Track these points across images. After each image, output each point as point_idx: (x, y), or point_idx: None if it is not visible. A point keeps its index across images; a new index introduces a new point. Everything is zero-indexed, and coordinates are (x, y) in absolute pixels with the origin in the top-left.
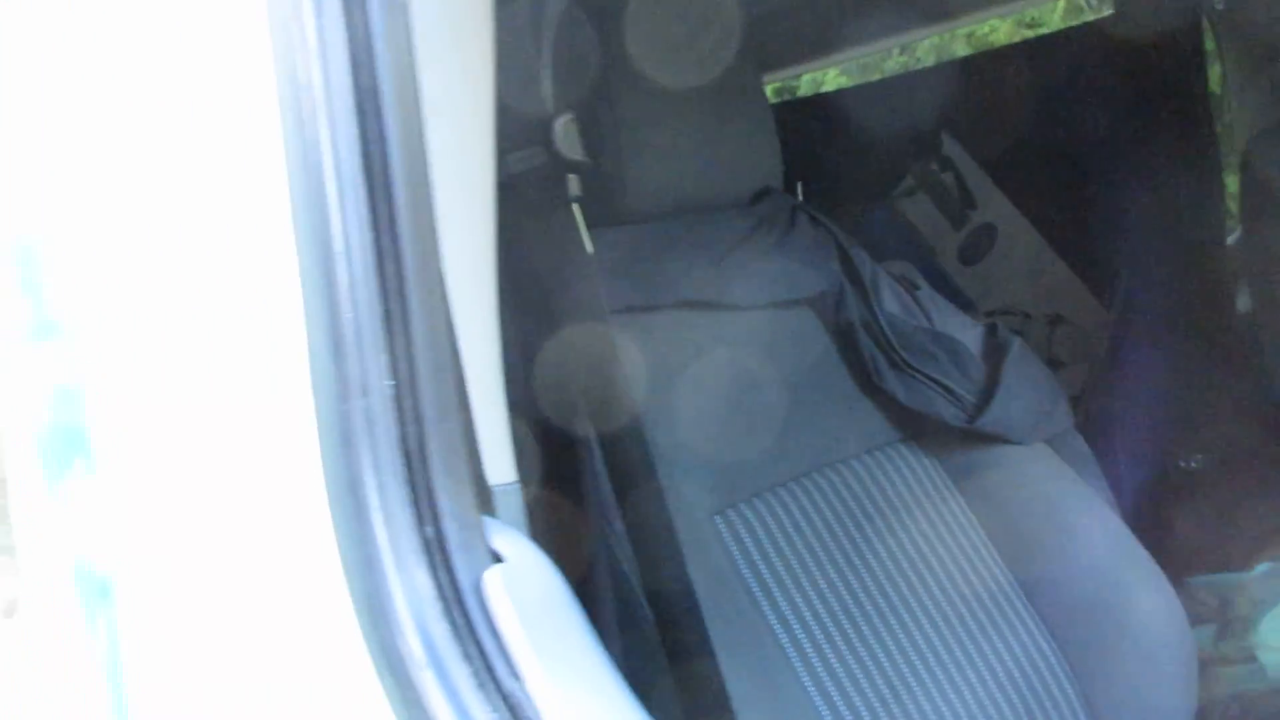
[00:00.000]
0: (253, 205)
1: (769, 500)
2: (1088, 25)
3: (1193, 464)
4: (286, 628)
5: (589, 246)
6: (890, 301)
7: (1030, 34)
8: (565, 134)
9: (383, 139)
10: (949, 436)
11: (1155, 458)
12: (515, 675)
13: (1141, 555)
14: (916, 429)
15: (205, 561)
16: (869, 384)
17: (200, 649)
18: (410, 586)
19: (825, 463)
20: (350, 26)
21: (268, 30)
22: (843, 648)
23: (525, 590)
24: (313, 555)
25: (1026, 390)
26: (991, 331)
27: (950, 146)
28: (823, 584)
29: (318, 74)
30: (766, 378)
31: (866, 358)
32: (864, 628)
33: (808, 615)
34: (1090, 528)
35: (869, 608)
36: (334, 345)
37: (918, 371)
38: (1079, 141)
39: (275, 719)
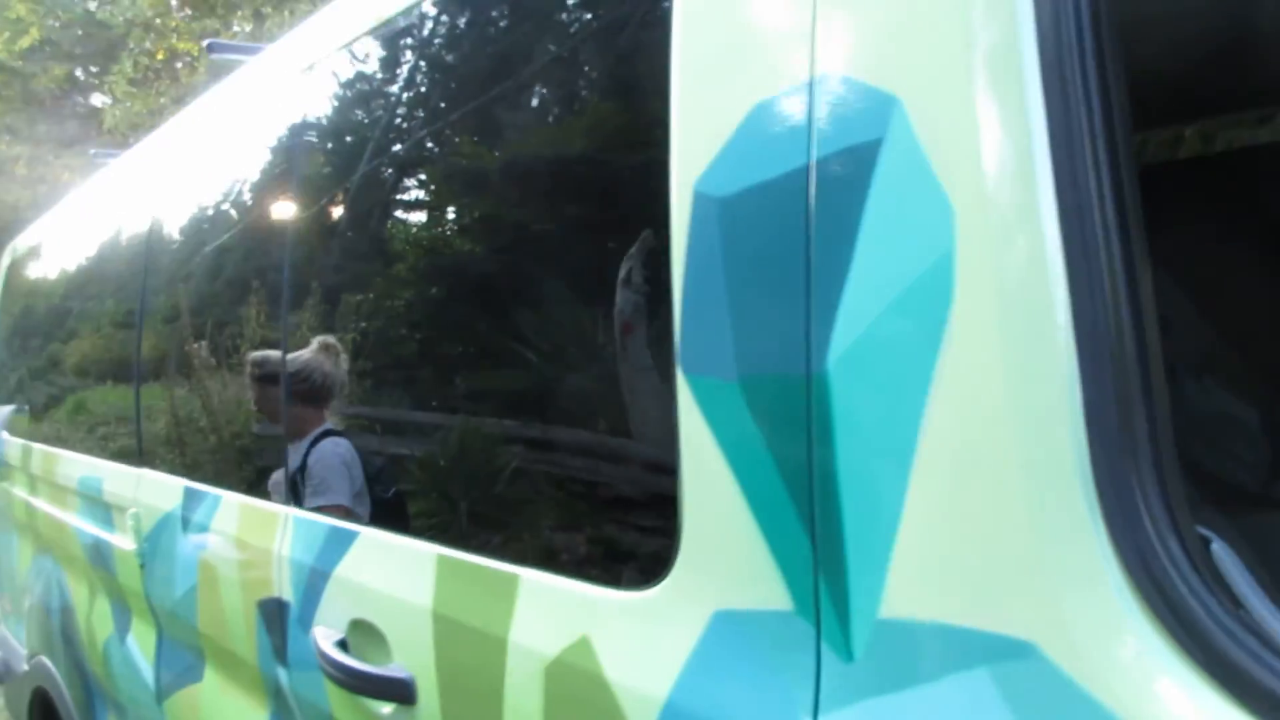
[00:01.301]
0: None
1: None
2: None
3: None
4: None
5: None
6: (1188, 383)
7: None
8: None
9: (1117, 159)
10: (1237, 505)
11: None
12: (1241, 607)
13: None
14: (1210, 495)
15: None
16: None
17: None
18: (1168, 550)
19: None
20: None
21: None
22: None
23: (1230, 556)
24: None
25: None
26: (1268, 414)
27: None
28: None
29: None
30: None
31: None
32: None
33: None
34: None
35: None
36: (1111, 394)
37: (1216, 443)
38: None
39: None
